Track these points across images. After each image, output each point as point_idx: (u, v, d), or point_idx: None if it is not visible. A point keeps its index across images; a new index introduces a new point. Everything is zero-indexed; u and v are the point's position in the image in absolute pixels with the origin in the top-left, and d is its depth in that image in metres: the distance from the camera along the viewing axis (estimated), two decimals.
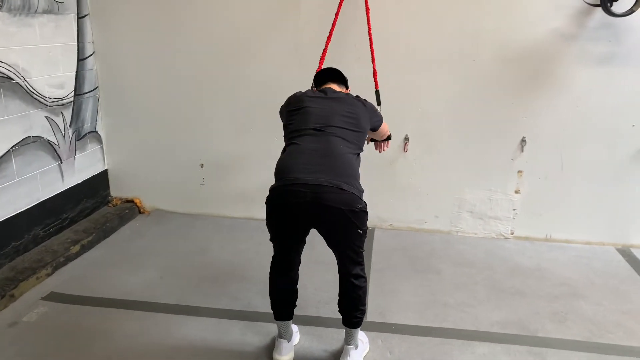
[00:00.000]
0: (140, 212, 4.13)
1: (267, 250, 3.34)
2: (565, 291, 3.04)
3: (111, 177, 4.14)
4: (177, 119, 3.93)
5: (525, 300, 2.94)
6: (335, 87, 2.40)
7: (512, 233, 3.78)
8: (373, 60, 3.22)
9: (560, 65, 3.39)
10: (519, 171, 3.64)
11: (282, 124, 2.38)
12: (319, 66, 3.27)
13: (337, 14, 3.32)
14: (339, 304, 2.28)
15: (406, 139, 3.67)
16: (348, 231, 2.07)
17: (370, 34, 3.28)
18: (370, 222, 3.74)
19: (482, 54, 3.45)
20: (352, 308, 2.25)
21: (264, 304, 2.71)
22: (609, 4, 3.11)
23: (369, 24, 3.28)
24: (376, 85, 3.18)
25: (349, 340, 2.32)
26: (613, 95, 3.40)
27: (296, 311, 2.41)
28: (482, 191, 3.72)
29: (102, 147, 4.02)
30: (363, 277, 2.24)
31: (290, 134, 2.19)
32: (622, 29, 3.27)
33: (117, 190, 4.17)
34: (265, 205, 2.13)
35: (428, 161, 3.70)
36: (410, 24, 3.45)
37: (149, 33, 3.76)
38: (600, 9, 3.22)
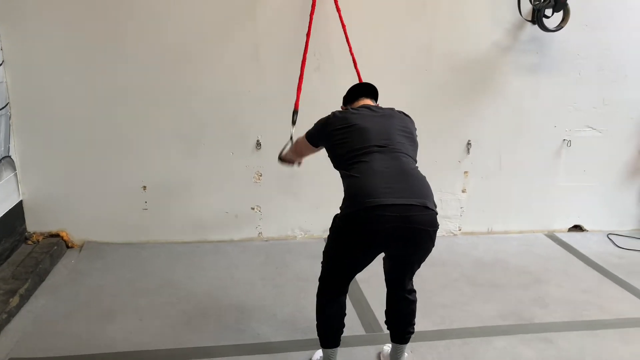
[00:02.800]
0: (68, 247, 3.53)
1: (242, 275, 3.17)
2: (530, 279, 3.36)
3: (27, 209, 3.47)
4: (112, 138, 3.45)
5: (504, 291, 3.19)
6: (370, 102, 2.33)
7: (460, 229, 4.06)
8: (358, 73, 3.25)
9: (498, 74, 3.74)
10: (465, 172, 3.93)
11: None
12: (300, 80, 3.19)
13: (310, 21, 3.24)
14: (391, 320, 2.23)
15: None
16: (425, 251, 2.01)
17: (349, 43, 3.27)
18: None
19: (433, 64, 3.65)
20: (407, 323, 2.22)
21: (274, 332, 2.64)
22: (542, 20, 3.52)
23: (345, 32, 3.26)
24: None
25: (399, 356, 2.28)
26: (539, 100, 3.85)
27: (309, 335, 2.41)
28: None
29: (16, 175, 3.35)
30: (415, 291, 2.22)
31: (350, 153, 2.03)
32: (546, 41, 3.72)
33: (36, 223, 3.51)
34: (342, 230, 1.96)
35: None
36: (368, 36, 3.48)
37: (74, 37, 3.25)
38: (530, 24, 3.64)
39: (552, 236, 4.10)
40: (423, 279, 3.27)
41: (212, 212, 3.69)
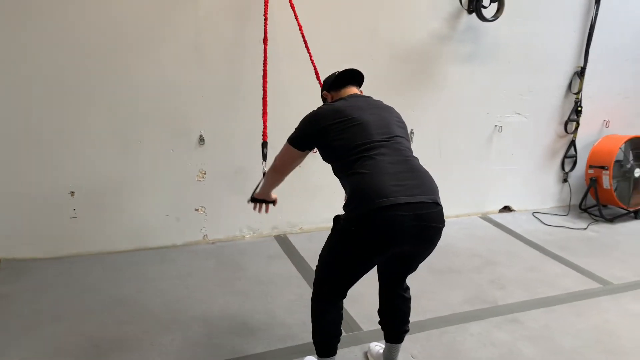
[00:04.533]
0: None
1: (197, 283, 2.95)
2: (481, 262, 3.48)
3: None
4: (30, 137, 2.98)
5: (462, 276, 3.26)
6: (356, 90, 2.19)
7: None
8: (317, 75, 3.09)
9: (438, 63, 3.80)
10: None
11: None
12: (264, 103, 2.92)
13: (265, 25, 3.02)
14: (387, 320, 2.15)
15: None
16: (433, 248, 1.93)
17: (304, 39, 3.09)
18: (280, 229, 3.65)
19: (378, 53, 3.60)
20: (403, 322, 2.15)
21: (250, 344, 2.46)
22: (481, 11, 3.62)
23: (298, 21, 3.09)
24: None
25: (395, 356, 2.21)
26: (474, 89, 3.98)
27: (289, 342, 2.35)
28: None
29: None
30: (409, 288, 2.16)
31: (352, 150, 1.87)
32: (481, 32, 3.84)
33: None
34: (354, 233, 1.80)
35: None
36: (314, 25, 3.34)
37: None
38: (466, 13, 3.73)
39: (486, 218, 4.30)
40: None
41: (151, 216, 3.35)
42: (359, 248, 1.81)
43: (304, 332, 2.55)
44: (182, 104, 3.22)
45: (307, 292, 2.94)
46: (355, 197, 1.81)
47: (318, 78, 3.04)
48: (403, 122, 2.07)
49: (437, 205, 1.83)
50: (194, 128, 3.29)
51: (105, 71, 3.00)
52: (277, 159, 2.17)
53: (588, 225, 4.29)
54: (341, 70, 2.20)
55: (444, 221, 1.87)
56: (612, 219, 4.42)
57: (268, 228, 3.69)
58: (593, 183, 4.38)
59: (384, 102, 2.15)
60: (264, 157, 2.79)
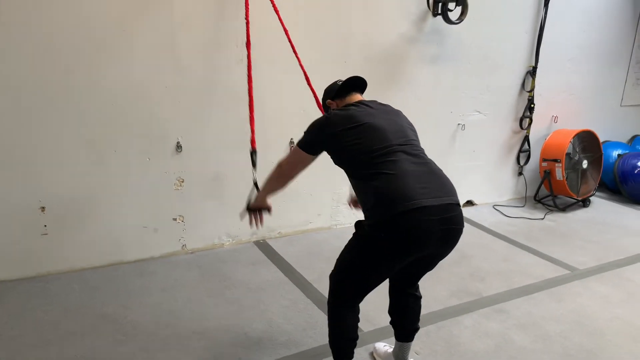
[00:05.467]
0: None
1: (186, 295, 2.89)
2: (458, 255, 3.60)
3: None
4: None
5: (444, 271, 3.36)
6: (361, 97, 2.20)
7: None
8: (307, 80, 3.03)
9: (406, 65, 3.90)
10: None
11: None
12: (250, 109, 2.84)
13: (247, 13, 2.96)
14: (399, 319, 2.19)
15: (291, 142, 3.57)
16: (451, 250, 1.98)
17: (291, 43, 3.05)
18: (259, 235, 3.61)
19: (352, 56, 3.64)
20: (415, 320, 2.20)
21: (256, 354, 2.42)
22: (447, 13, 3.75)
23: (282, 23, 3.04)
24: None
25: (406, 355, 2.25)
26: (439, 88, 4.12)
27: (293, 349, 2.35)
28: None
29: None
30: (419, 286, 2.21)
31: (371, 154, 1.87)
32: (445, 34, 3.98)
33: None
34: (381, 239, 1.79)
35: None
36: (289, 29, 3.32)
37: None
38: (431, 16, 3.85)
39: None
40: None
41: (127, 228, 3.20)
42: (389, 254, 1.82)
43: (306, 338, 2.55)
44: (158, 109, 3.10)
45: (300, 297, 2.94)
46: (381, 201, 1.81)
47: (308, 83, 3.01)
48: (413, 126, 2.11)
49: (459, 207, 1.88)
50: (171, 134, 3.18)
51: (74, 76, 2.84)
52: (285, 163, 2.14)
53: (545, 215, 4.56)
54: (343, 78, 2.23)
55: (463, 223, 1.93)
56: (564, 208, 4.72)
57: (247, 234, 3.63)
58: (547, 175, 4.66)
59: (392, 106, 2.19)
60: (254, 165, 2.71)
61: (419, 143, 2.03)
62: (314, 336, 2.57)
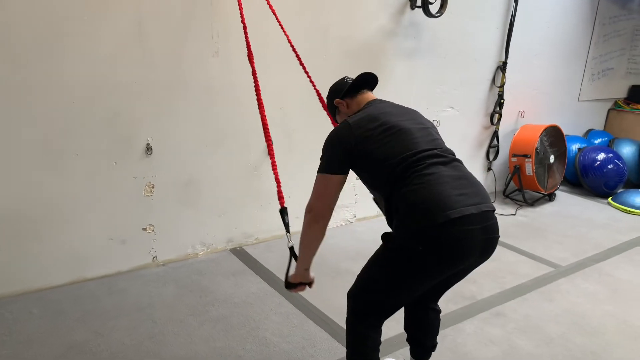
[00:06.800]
0: None
1: (164, 315, 2.63)
2: None
3: None
4: None
5: None
6: (373, 96, 2.01)
7: (355, 217, 4.01)
8: (310, 79, 2.81)
9: (384, 58, 3.74)
10: None
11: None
12: (267, 137, 2.38)
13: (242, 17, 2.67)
14: (419, 335, 2.04)
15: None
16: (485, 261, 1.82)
17: (291, 44, 2.83)
18: (235, 242, 3.36)
19: (331, 50, 3.44)
20: (435, 336, 2.05)
21: None
22: (428, 6, 3.62)
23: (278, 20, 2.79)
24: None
25: None
26: (416, 83, 4.00)
27: None
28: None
29: None
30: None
31: (401, 159, 1.68)
32: (422, 28, 3.85)
33: None
34: (419, 252, 1.60)
35: (290, 162, 3.47)
36: (265, 22, 3.07)
37: None
38: (409, 8, 3.72)
39: None
40: (354, 274, 3.14)
41: (91, 241, 2.85)
42: (429, 268, 1.63)
43: (307, 357, 2.35)
44: (125, 107, 2.77)
45: (291, 310, 2.72)
46: (418, 210, 1.61)
47: (311, 82, 2.79)
48: (434, 126, 1.94)
49: (494, 213, 1.74)
50: (140, 135, 2.86)
51: (26, 70, 2.46)
52: (314, 202, 1.78)
53: (516, 211, 4.57)
54: (352, 74, 2.03)
55: (499, 231, 1.78)
56: (532, 203, 4.76)
57: (222, 242, 3.35)
58: (517, 170, 4.68)
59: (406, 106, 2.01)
60: (287, 228, 2.08)
61: (445, 145, 1.86)
62: (315, 355, 2.36)
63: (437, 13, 3.67)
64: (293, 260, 1.96)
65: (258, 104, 2.32)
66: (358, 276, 1.84)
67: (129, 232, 2.96)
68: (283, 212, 2.10)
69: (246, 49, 2.53)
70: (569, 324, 2.75)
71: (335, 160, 1.76)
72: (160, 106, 2.86)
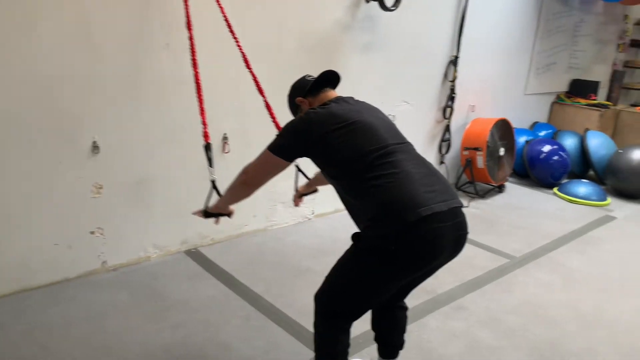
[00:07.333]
0: None
1: (120, 324, 2.50)
2: None
3: None
4: None
5: None
6: (336, 93, 1.95)
7: (313, 213, 3.94)
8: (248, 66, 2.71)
9: (340, 53, 3.69)
10: None
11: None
12: (199, 96, 2.46)
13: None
14: (386, 334, 2.02)
15: (225, 138, 3.20)
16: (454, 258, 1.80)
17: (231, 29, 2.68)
18: (190, 243, 3.23)
19: (286, 43, 3.35)
20: (402, 333, 2.03)
21: None
22: (383, 0, 3.59)
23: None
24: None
25: None
26: (372, 78, 3.97)
27: None
28: (290, 180, 3.67)
29: None
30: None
31: (366, 156, 1.65)
32: (377, 21, 3.82)
33: None
34: (391, 252, 1.57)
35: (247, 159, 3.33)
36: (220, 15, 2.94)
37: None
38: (364, 1, 3.67)
39: None
40: (318, 274, 3.08)
41: (35, 247, 2.64)
42: (402, 267, 1.60)
43: None
44: (69, 103, 2.57)
45: (252, 312, 2.63)
46: (388, 209, 1.58)
47: (248, 66, 2.70)
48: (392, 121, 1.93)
49: (462, 209, 1.72)
50: (86, 133, 2.67)
51: None
52: (252, 170, 1.86)
53: (469, 203, 4.66)
54: (308, 69, 2.01)
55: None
56: (483, 195, 4.87)
57: (176, 243, 3.21)
58: (469, 163, 4.76)
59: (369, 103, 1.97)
60: (210, 161, 2.38)
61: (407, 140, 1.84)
62: (280, 358, 2.29)
63: (392, 7, 3.65)
64: (214, 193, 2.28)
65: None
66: (327, 277, 1.78)
67: (76, 236, 2.77)
68: (207, 147, 2.38)
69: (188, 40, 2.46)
70: (528, 315, 2.81)
71: (288, 147, 1.76)
72: (108, 102, 2.68)
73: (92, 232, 2.83)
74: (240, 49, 2.69)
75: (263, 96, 2.71)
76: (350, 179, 1.69)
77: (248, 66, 2.70)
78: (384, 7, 3.61)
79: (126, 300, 2.65)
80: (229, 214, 2.12)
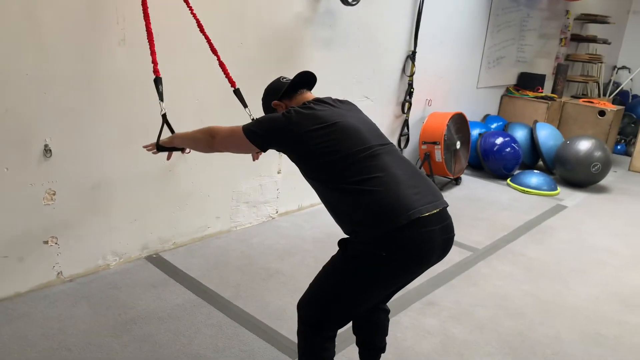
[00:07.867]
0: None
1: (81, 340, 2.41)
2: None
3: None
4: None
5: None
6: (312, 95, 1.88)
7: (277, 212, 3.86)
8: (215, 52, 2.64)
9: (302, 47, 3.61)
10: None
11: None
12: (149, 36, 2.38)
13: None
14: (366, 339, 1.99)
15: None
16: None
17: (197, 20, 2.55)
18: (151, 248, 3.10)
19: (247, 37, 3.23)
20: (384, 336, 2.01)
21: None
22: None
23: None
24: (232, 84, 2.66)
25: None
26: (331, 72, 3.91)
27: None
28: (254, 179, 3.59)
29: None
30: None
31: (349, 158, 1.60)
32: (337, 16, 3.77)
33: None
34: (382, 258, 1.53)
35: (208, 158, 3.22)
36: (177, 5, 2.80)
37: None
38: None
39: None
40: (287, 275, 3.03)
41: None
42: (392, 273, 1.58)
43: None
44: (17, 104, 2.37)
45: (223, 320, 2.54)
46: (375, 213, 1.54)
47: (218, 58, 2.65)
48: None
49: (447, 210, 1.70)
50: (37, 136, 2.47)
51: None
52: (220, 138, 1.83)
53: None
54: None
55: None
56: (441, 188, 4.94)
57: (136, 249, 3.05)
58: (427, 157, 4.81)
59: (350, 102, 1.92)
60: (160, 96, 2.33)
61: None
62: None
63: (353, 1, 3.61)
64: (167, 127, 2.29)
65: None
66: (312, 286, 1.73)
67: (27, 247, 2.57)
68: (157, 81, 2.31)
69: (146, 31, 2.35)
70: (495, 308, 2.86)
71: (262, 137, 1.73)
72: (60, 102, 2.50)
73: (46, 242, 2.63)
74: (192, 10, 2.58)
75: (216, 55, 2.65)
76: (333, 181, 1.64)
77: (202, 30, 2.60)
78: (344, 1, 3.56)
79: (86, 313, 2.49)
80: (182, 150, 2.15)
